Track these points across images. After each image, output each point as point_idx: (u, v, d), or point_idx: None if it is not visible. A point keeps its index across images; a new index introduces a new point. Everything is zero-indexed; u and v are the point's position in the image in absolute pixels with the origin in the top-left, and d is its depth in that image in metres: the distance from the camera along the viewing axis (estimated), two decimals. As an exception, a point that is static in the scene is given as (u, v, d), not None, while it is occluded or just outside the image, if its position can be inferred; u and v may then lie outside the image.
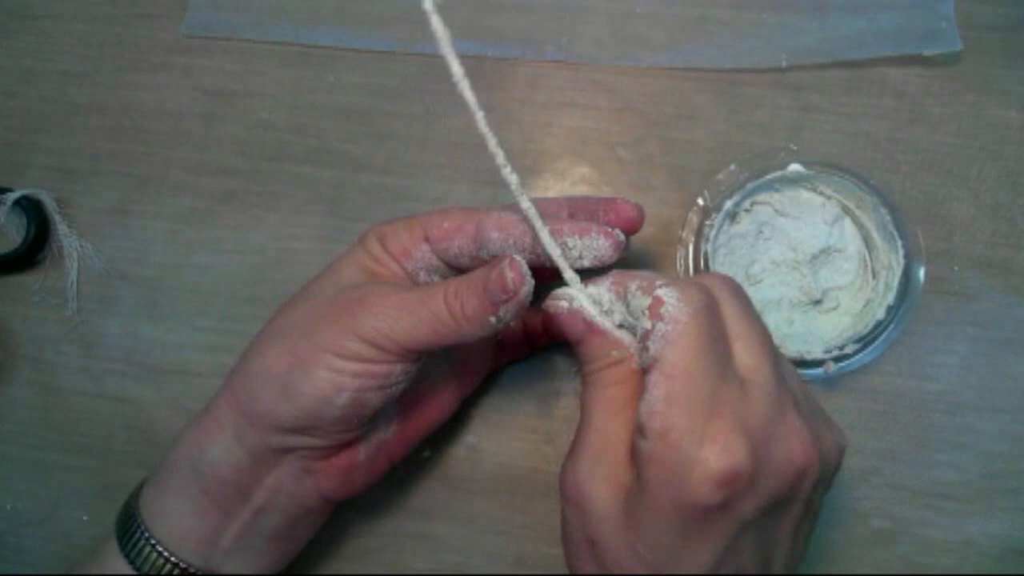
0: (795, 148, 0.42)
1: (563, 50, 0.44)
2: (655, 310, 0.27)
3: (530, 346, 0.39)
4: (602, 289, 0.30)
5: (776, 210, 0.40)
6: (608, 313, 0.30)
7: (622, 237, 0.31)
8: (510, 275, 0.28)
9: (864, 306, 0.39)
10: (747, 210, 0.40)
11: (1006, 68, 0.42)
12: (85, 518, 0.40)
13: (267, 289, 0.42)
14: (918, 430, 0.39)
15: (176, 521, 0.31)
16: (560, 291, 0.30)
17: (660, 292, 0.27)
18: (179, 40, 0.46)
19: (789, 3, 0.43)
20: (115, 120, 0.45)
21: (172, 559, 0.30)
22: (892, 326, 0.38)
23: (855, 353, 0.38)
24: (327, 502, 0.33)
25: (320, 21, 0.45)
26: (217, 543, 0.31)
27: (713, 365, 0.26)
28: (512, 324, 0.29)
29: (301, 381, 0.29)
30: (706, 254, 0.39)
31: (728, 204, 0.39)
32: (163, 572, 0.30)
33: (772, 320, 0.39)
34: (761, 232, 0.40)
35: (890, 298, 0.38)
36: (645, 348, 0.27)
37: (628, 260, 0.40)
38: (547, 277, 0.32)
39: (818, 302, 0.40)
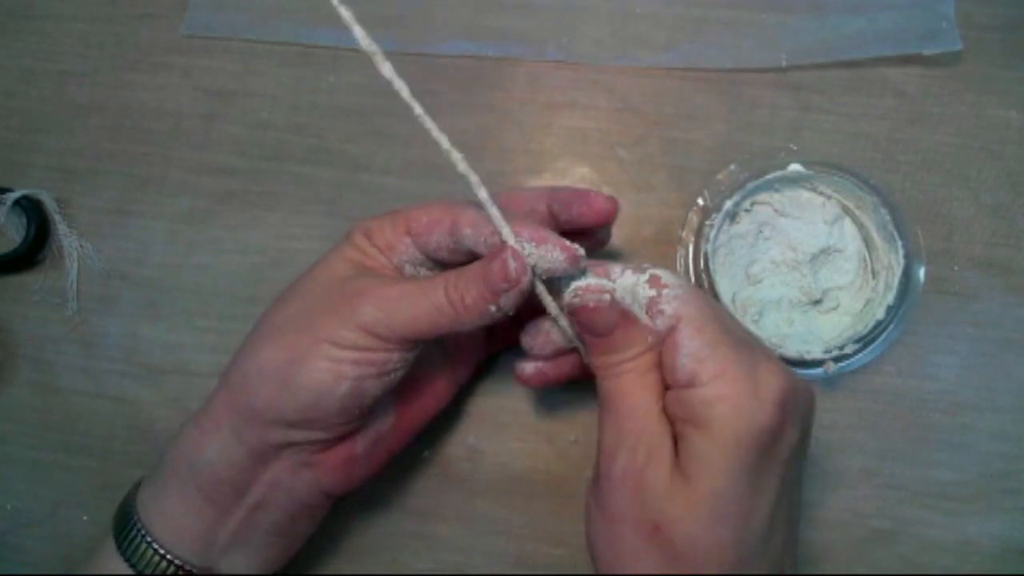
0: (795, 148, 0.42)
1: (563, 50, 0.44)
2: (656, 282, 0.29)
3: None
4: (589, 279, 0.30)
5: (776, 210, 0.40)
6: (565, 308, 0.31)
7: (581, 252, 0.30)
8: (512, 264, 0.28)
9: (864, 306, 0.39)
10: (747, 210, 0.40)
11: (1006, 68, 0.42)
12: (85, 518, 0.40)
13: (267, 289, 0.42)
14: (918, 430, 0.39)
15: (173, 519, 0.31)
16: (592, 283, 0.30)
17: (653, 271, 0.30)
18: (179, 40, 0.46)
19: (789, 3, 0.43)
20: (115, 120, 0.45)
21: (168, 556, 0.30)
22: (892, 326, 0.38)
23: (855, 353, 0.38)
24: (326, 497, 0.33)
25: (320, 21, 0.45)
26: (213, 540, 0.31)
27: (725, 317, 0.29)
28: (511, 314, 0.30)
29: (301, 374, 0.29)
30: (706, 254, 0.39)
31: (728, 204, 0.39)
32: (160, 570, 0.30)
33: (772, 320, 0.39)
34: (761, 232, 0.40)
35: (890, 298, 0.38)
36: (659, 312, 0.29)
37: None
38: None
39: (818, 302, 0.40)
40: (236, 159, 0.44)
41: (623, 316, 0.29)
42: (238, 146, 0.44)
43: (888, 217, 0.38)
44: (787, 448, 0.27)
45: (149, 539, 0.31)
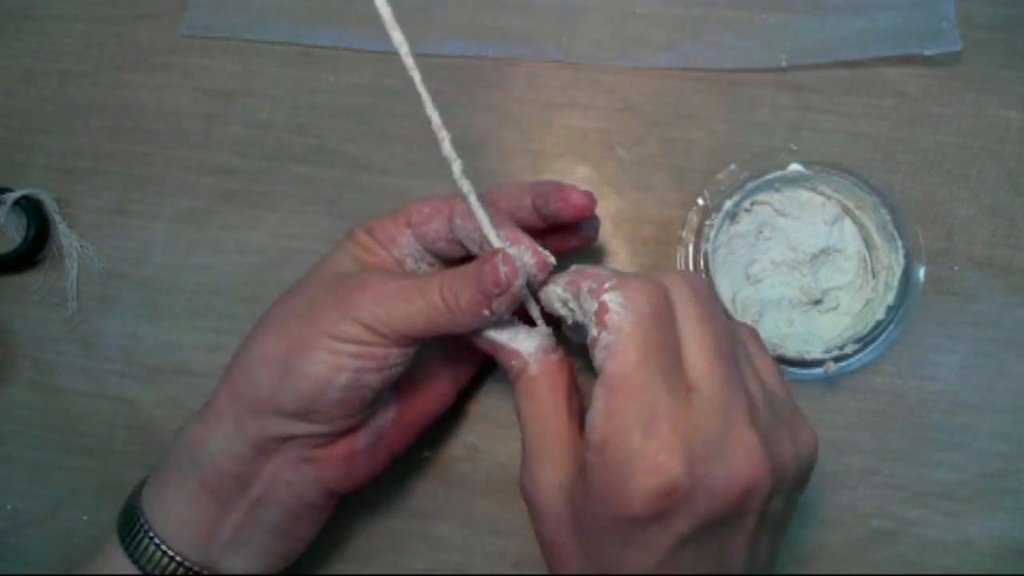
0: (795, 148, 0.42)
1: (563, 50, 0.44)
2: (601, 317, 0.27)
3: None
4: (559, 288, 0.30)
5: (776, 210, 0.40)
6: (566, 309, 0.30)
7: (551, 259, 0.30)
8: (503, 269, 0.28)
9: (864, 306, 0.39)
10: (747, 210, 0.40)
11: (1006, 68, 0.42)
12: (85, 518, 0.40)
13: (267, 289, 0.41)
14: (918, 430, 0.39)
15: (175, 514, 0.31)
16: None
17: (605, 297, 0.27)
18: (179, 40, 0.46)
19: (789, 3, 0.43)
20: (115, 120, 0.45)
21: (170, 553, 0.30)
22: (892, 326, 0.38)
23: (855, 353, 0.38)
24: (329, 495, 0.33)
25: (320, 21, 0.45)
26: (216, 535, 0.31)
27: (656, 375, 0.26)
28: (507, 317, 0.30)
29: (301, 363, 0.30)
30: (706, 254, 0.39)
31: (728, 204, 0.39)
32: (162, 567, 0.30)
33: (772, 320, 0.39)
34: (761, 232, 0.40)
35: (890, 298, 0.38)
36: (593, 356, 0.27)
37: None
38: None
39: (818, 302, 0.40)
40: (236, 159, 0.44)
41: (491, 347, 0.31)
42: (238, 146, 0.44)
43: (888, 217, 0.38)
44: (671, 535, 0.25)
45: (152, 536, 0.31)
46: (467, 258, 0.32)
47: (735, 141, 0.42)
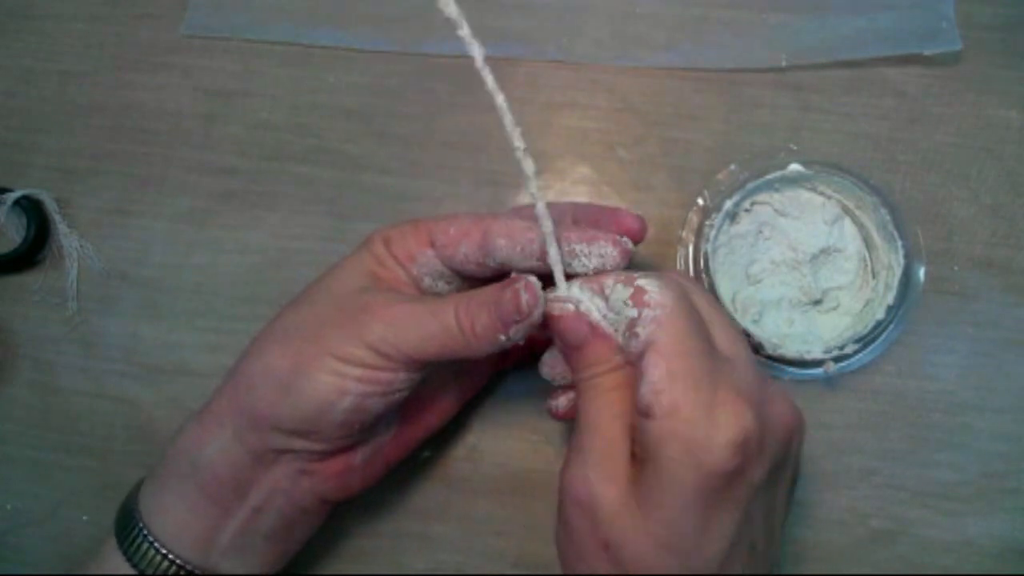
0: (795, 148, 0.42)
1: (563, 50, 0.44)
2: (639, 298, 0.27)
3: (532, 352, 0.39)
4: (575, 286, 0.30)
5: (776, 210, 0.40)
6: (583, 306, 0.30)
7: (630, 245, 0.30)
8: (525, 297, 0.28)
9: (864, 306, 0.39)
10: (747, 210, 0.40)
11: (1006, 68, 0.42)
12: (85, 518, 0.40)
13: (267, 289, 0.42)
14: (918, 430, 0.39)
15: (173, 517, 0.31)
16: (562, 293, 0.30)
17: (640, 282, 0.28)
18: (179, 40, 0.46)
19: (789, 3, 0.43)
20: (115, 120, 0.45)
21: (169, 556, 0.30)
22: (892, 326, 0.38)
23: (855, 353, 0.38)
24: (324, 503, 0.33)
25: (320, 21, 0.45)
26: (215, 541, 0.31)
27: (703, 343, 0.27)
28: (521, 343, 0.29)
29: (304, 384, 0.29)
30: (706, 254, 0.39)
31: (728, 204, 0.39)
32: (161, 570, 0.30)
33: (772, 320, 0.39)
34: (761, 232, 0.40)
35: (890, 298, 0.38)
36: (634, 335, 0.27)
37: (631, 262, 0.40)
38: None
39: (818, 302, 0.40)
40: (236, 159, 0.44)
41: (592, 329, 0.29)
42: (238, 146, 0.44)
43: (888, 217, 0.38)
44: (749, 486, 0.26)
45: (151, 538, 0.31)
46: (493, 278, 0.32)
47: (735, 141, 0.42)
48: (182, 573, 0.31)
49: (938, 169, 0.41)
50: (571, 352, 0.30)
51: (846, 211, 0.40)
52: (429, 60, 0.44)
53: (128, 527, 0.31)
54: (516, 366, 0.40)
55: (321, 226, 0.43)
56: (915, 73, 0.42)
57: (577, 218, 0.34)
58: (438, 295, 0.33)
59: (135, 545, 0.31)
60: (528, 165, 0.29)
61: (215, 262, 0.43)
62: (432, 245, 0.32)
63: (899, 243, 0.38)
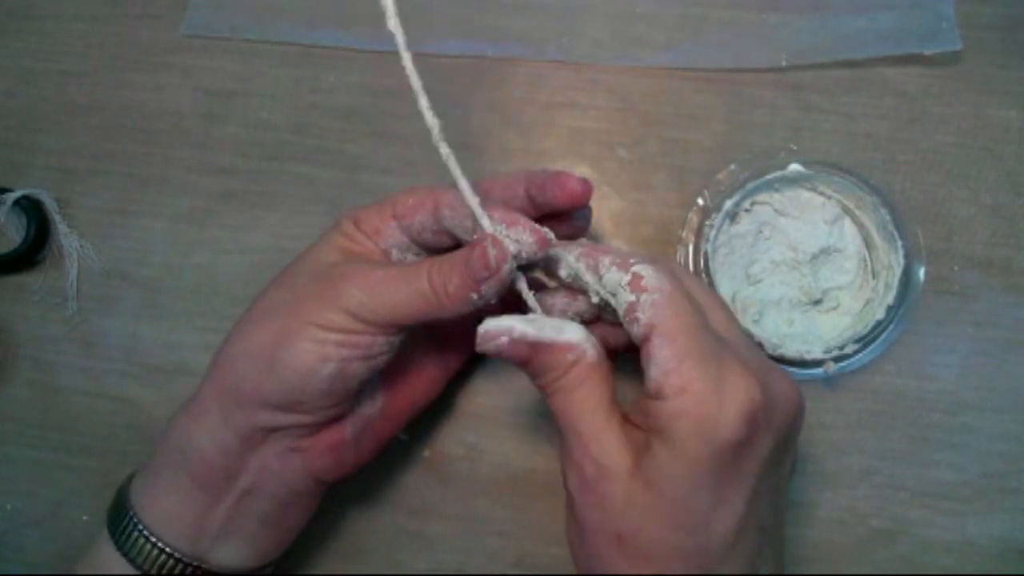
0: (795, 148, 0.42)
1: (563, 50, 0.44)
2: (637, 283, 0.28)
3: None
4: (570, 257, 0.30)
5: (776, 210, 0.40)
6: (570, 276, 0.30)
7: (550, 236, 0.30)
8: (492, 252, 0.29)
9: (864, 306, 0.39)
10: (747, 210, 0.40)
11: (1006, 68, 0.42)
12: (85, 518, 0.40)
13: (267, 289, 0.42)
14: (918, 430, 0.39)
15: (164, 506, 0.31)
16: (491, 324, 0.29)
17: (636, 268, 0.29)
18: (179, 40, 0.46)
19: (789, 3, 0.43)
20: (115, 120, 0.45)
21: (160, 545, 0.30)
22: (892, 326, 0.38)
23: (855, 353, 0.38)
24: (317, 483, 0.33)
25: (320, 21, 0.45)
26: (205, 527, 0.31)
27: (703, 323, 0.28)
28: (492, 302, 0.30)
29: (286, 354, 0.30)
30: (706, 254, 0.39)
31: (728, 204, 0.39)
32: (152, 559, 0.30)
33: (772, 320, 0.39)
34: (761, 232, 0.40)
35: (890, 298, 0.38)
36: (635, 319, 0.28)
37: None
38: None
39: (818, 302, 0.40)
40: (236, 159, 0.44)
41: (533, 348, 0.29)
42: (238, 146, 0.44)
43: (888, 217, 0.38)
44: (757, 459, 0.27)
45: (141, 526, 0.31)
46: (452, 248, 0.32)
47: (735, 141, 0.42)
48: (172, 562, 0.31)
49: (938, 169, 0.41)
50: (523, 367, 0.30)
51: (846, 211, 0.40)
52: (429, 60, 0.44)
53: (119, 518, 0.31)
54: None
55: (321, 226, 0.42)
56: (915, 73, 0.42)
57: (530, 186, 0.34)
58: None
59: (126, 535, 0.31)
60: (443, 147, 0.30)
61: (215, 262, 0.43)
62: (394, 217, 0.33)
63: (899, 243, 0.38)
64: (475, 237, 0.31)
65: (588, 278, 0.30)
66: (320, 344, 0.29)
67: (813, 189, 0.40)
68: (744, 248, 0.40)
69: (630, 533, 0.27)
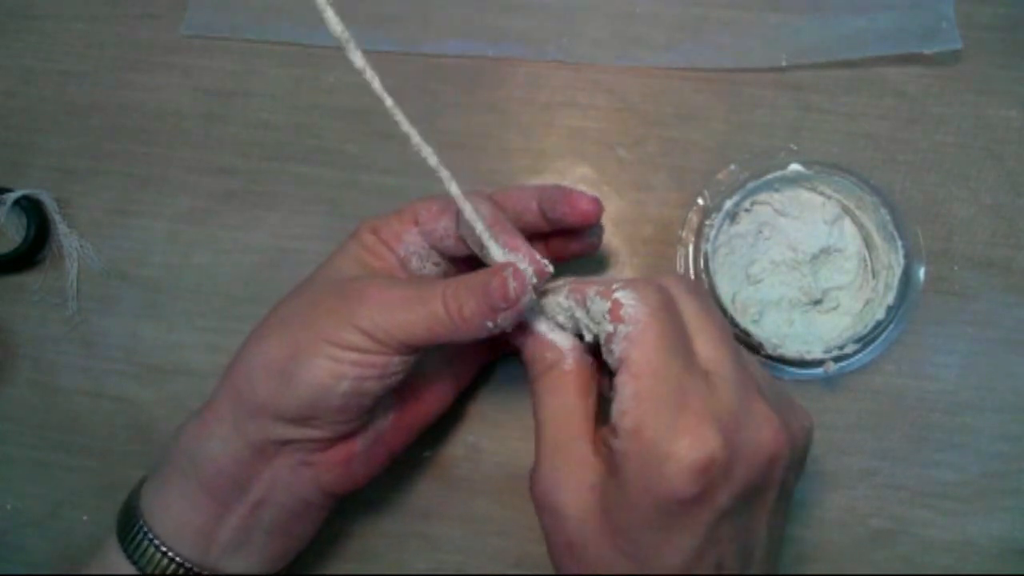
0: (795, 148, 0.42)
1: (563, 50, 0.44)
2: (615, 313, 0.27)
3: None
4: (560, 297, 0.30)
5: (776, 210, 0.40)
6: (568, 319, 0.30)
7: (549, 268, 0.30)
8: (512, 284, 0.28)
9: (864, 306, 0.39)
10: (747, 210, 0.40)
11: (1006, 68, 0.42)
12: (85, 518, 0.40)
13: (267, 289, 0.42)
14: (918, 430, 0.39)
15: (174, 515, 0.31)
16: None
17: (617, 295, 0.28)
18: (179, 40, 0.46)
19: (789, 3, 0.43)
20: (115, 120, 0.45)
21: (170, 554, 0.30)
22: (892, 326, 0.38)
23: (855, 353, 0.38)
24: (327, 495, 0.33)
25: (320, 21, 0.45)
26: (214, 536, 0.31)
27: (677, 360, 0.27)
28: (508, 331, 0.30)
29: (301, 370, 0.29)
30: (706, 254, 0.39)
31: (728, 204, 0.39)
32: (161, 568, 0.30)
33: (772, 320, 0.39)
34: (761, 232, 0.40)
35: (890, 298, 0.38)
36: (610, 351, 0.27)
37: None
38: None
39: (818, 302, 0.40)
40: (236, 159, 0.44)
41: (523, 329, 0.30)
42: (238, 146, 0.44)
43: (888, 217, 0.38)
44: (713, 511, 0.26)
45: (152, 536, 0.31)
46: (473, 257, 0.32)
47: (735, 141, 0.42)
48: (182, 571, 0.31)
49: (938, 169, 0.41)
50: (517, 354, 0.31)
51: (846, 211, 0.40)
52: (429, 60, 0.44)
53: (129, 525, 0.31)
54: (511, 354, 0.39)
55: (321, 226, 0.43)
56: (915, 73, 0.42)
57: (542, 201, 0.34)
58: (426, 278, 0.34)
59: (136, 543, 0.31)
60: (430, 156, 0.30)
61: (215, 262, 0.43)
62: (416, 223, 0.33)
63: (899, 243, 0.38)
64: (489, 258, 0.31)
65: (579, 314, 0.30)
66: (335, 362, 0.29)
67: (813, 189, 0.40)
68: (744, 248, 0.40)
69: (580, 544, 0.27)
